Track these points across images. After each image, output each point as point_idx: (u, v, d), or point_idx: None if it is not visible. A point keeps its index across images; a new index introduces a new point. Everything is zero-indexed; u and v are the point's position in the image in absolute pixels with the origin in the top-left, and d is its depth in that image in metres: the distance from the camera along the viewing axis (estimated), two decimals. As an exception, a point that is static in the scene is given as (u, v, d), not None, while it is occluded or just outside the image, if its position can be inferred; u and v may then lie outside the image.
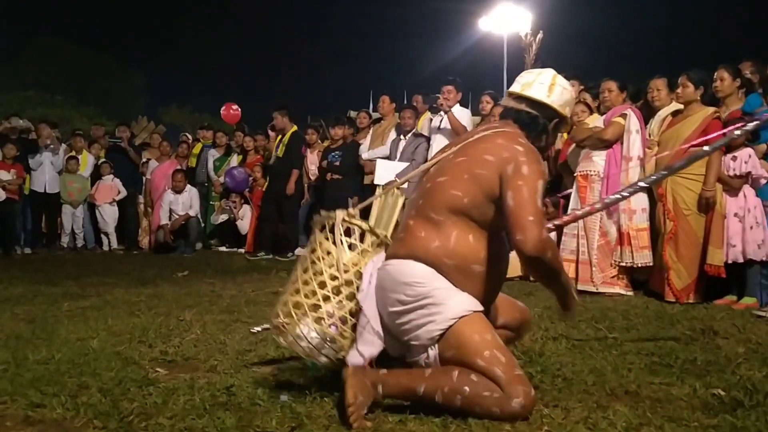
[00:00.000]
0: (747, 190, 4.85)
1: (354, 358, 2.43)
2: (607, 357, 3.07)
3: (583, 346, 3.19)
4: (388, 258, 2.50)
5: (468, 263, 2.38)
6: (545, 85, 2.56)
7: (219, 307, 4.58)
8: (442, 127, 7.39)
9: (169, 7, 46.34)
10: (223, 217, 9.90)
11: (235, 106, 11.32)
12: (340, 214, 2.57)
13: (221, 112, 11.76)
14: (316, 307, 2.50)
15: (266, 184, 9.00)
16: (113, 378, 2.70)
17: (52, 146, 9.68)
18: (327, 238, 2.58)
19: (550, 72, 2.61)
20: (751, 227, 4.80)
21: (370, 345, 2.45)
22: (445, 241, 2.38)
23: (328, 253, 2.55)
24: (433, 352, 2.35)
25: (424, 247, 2.39)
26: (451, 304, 2.33)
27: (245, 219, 9.71)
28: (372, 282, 2.49)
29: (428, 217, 2.43)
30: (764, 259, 4.81)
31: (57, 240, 9.95)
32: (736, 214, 4.85)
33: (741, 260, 4.81)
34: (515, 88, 2.63)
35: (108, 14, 44.30)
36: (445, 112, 7.15)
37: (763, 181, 4.89)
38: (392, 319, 2.41)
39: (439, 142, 7.36)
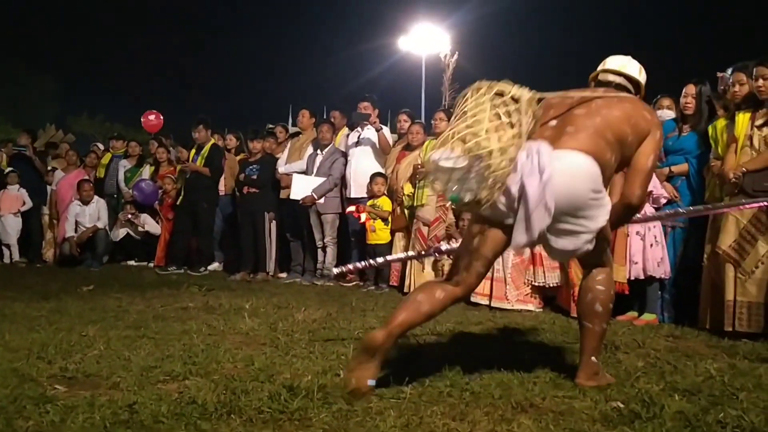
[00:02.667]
0: (648, 209, 5.09)
1: (521, 238, 2.71)
2: (514, 371, 3.14)
3: (488, 361, 3.25)
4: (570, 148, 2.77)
5: None
6: (637, 67, 3.19)
7: (125, 323, 4.44)
8: (359, 143, 7.46)
9: (85, 12, 44.90)
10: (123, 233, 9.58)
11: (153, 115, 11.04)
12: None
13: (141, 119, 11.45)
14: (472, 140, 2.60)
15: (180, 197, 8.78)
16: (8, 395, 2.57)
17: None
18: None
19: (632, 59, 3.22)
20: (651, 245, 5.03)
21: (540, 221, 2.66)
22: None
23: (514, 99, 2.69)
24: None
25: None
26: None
27: (147, 228, 9.47)
28: (534, 161, 2.64)
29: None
30: (663, 276, 5.04)
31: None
32: (637, 233, 5.07)
33: (642, 277, 5.03)
34: (613, 65, 3.19)
35: (19, 16, 42.48)
36: (378, 130, 7.26)
37: (663, 201, 5.13)
38: (577, 205, 2.73)
39: (357, 157, 7.43)
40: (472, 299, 5.72)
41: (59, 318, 4.57)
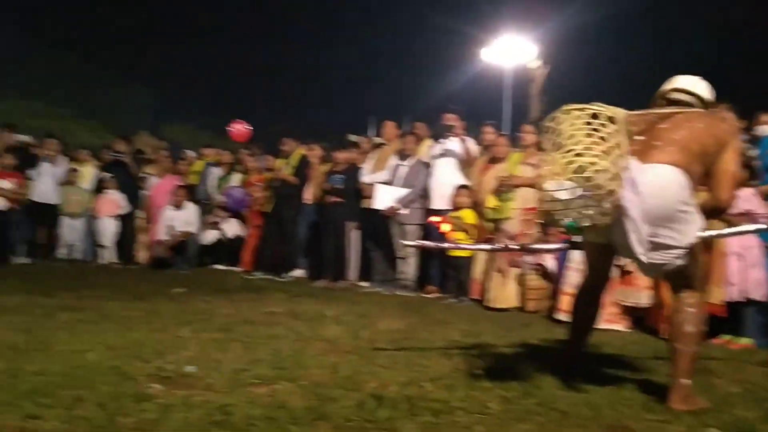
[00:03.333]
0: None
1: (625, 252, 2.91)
2: (603, 392, 3.07)
3: (579, 380, 3.18)
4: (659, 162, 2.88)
5: None
6: (706, 87, 3.29)
7: (215, 325, 4.57)
8: (443, 154, 7.47)
9: (178, 25, 46.64)
10: (212, 236, 9.89)
11: (240, 125, 11.32)
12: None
13: (229, 129, 11.81)
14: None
15: (272, 205, 9.00)
16: (109, 392, 2.70)
17: (52, 157, 9.71)
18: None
19: (701, 80, 3.31)
20: (752, 266, 4.82)
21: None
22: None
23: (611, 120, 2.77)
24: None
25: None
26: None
27: (230, 233, 9.76)
28: (627, 176, 2.75)
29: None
30: (762, 298, 4.82)
31: (54, 251, 9.93)
32: (736, 253, 4.87)
33: (740, 299, 4.83)
34: (684, 85, 3.28)
35: (117, 29, 44.48)
36: (463, 141, 7.25)
37: (763, 220, 4.92)
38: (667, 216, 2.81)
39: (440, 169, 7.43)
40: (557, 316, 5.63)
41: (153, 318, 4.76)
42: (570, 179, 2.69)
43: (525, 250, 5.28)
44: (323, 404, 2.70)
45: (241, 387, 2.94)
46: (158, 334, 4.04)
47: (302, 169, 8.77)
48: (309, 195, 9.01)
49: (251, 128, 11.21)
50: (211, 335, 4.14)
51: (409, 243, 4.94)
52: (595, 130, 2.72)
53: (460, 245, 6.20)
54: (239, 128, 11.25)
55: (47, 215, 9.76)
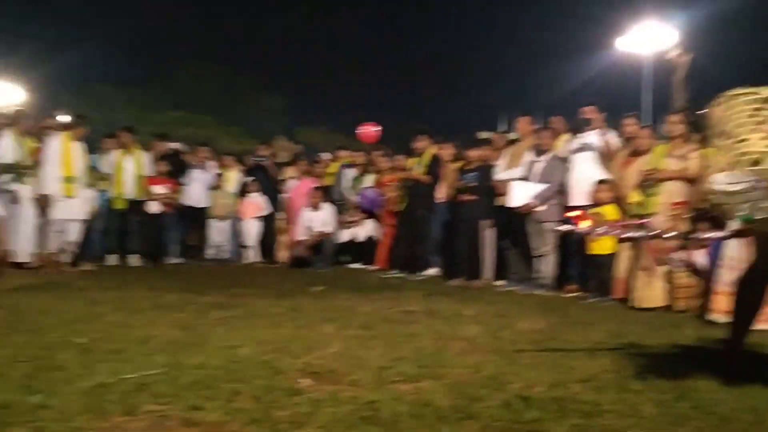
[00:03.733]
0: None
1: None
2: (765, 396, 2.86)
3: (741, 383, 2.99)
4: None
5: None
6: None
7: (356, 323, 4.67)
8: (582, 148, 7.24)
9: (307, 31, 48.24)
10: (349, 234, 10.12)
11: (372, 126, 11.55)
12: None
13: (359, 132, 12.06)
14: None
15: (405, 204, 9.09)
16: (263, 386, 2.82)
17: (204, 164, 10.31)
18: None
19: None
20: None
21: None
22: None
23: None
24: None
25: None
26: None
27: (365, 233, 9.94)
28: None
29: None
30: None
31: (203, 252, 10.54)
32: None
33: None
34: None
35: (252, 40, 46.67)
36: (602, 134, 7.02)
37: None
38: None
39: (579, 163, 7.21)
40: (709, 317, 5.32)
41: (298, 315, 4.93)
42: (742, 170, 2.53)
43: (680, 237, 4.98)
44: (469, 403, 2.69)
45: (386, 384, 2.99)
46: (304, 331, 4.18)
47: (434, 167, 8.80)
48: (441, 194, 9.01)
49: (380, 129, 11.39)
50: (353, 332, 4.23)
51: (558, 228, 4.81)
52: (761, 116, 2.53)
53: (609, 231, 5.95)
54: (369, 130, 11.45)
55: (197, 218, 10.38)
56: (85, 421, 2.30)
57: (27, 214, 8.04)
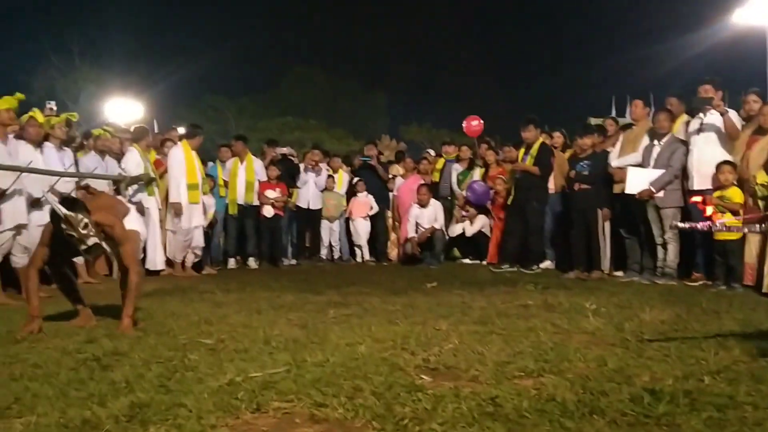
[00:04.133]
0: None
1: None
2: None
3: None
4: None
5: None
6: None
7: (471, 318, 4.63)
8: (701, 130, 6.88)
9: (406, 29, 48.43)
10: (459, 229, 10.08)
11: (476, 120, 11.46)
12: None
13: (463, 126, 12.01)
14: None
15: (511, 196, 8.95)
16: (383, 382, 2.83)
17: (315, 168, 10.55)
18: None
19: None
20: None
21: None
22: None
23: None
24: None
25: None
26: None
27: (475, 227, 9.85)
28: None
29: None
30: None
31: (317, 252, 10.78)
32: None
33: None
34: None
35: (352, 41, 47.38)
36: (723, 114, 6.64)
37: None
38: None
39: (699, 146, 6.85)
40: None
41: (412, 312, 4.95)
42: None
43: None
44: (595, 398, 2.61)
45: (507, 379, 2.94)
46: (419, 327, 4.18)
47: (544, 157, 8.60)
48: (552, 184, 8.82)
49: (483, 123, 11.29)
50: (469, 328, 4.20)
51: (679, 225, 4.56)
52: None
53: (732, 227, 5.64)
54: (472, 124, 11.37)
55: (310, 220, 10.63)
56: (217, 419, 2.39)
57: (154, 224, 8.49)
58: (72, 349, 3.62)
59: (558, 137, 9.29)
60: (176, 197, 8.68)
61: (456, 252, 10.48)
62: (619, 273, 7.69)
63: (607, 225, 7.80)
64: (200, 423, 2.34)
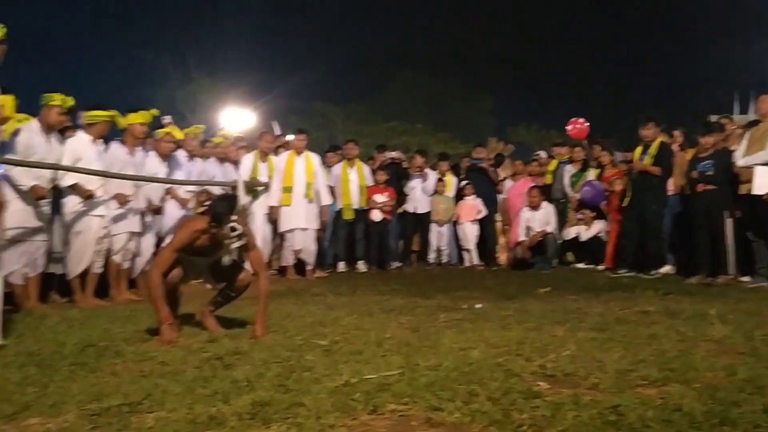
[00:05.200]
0: None
1: None
2: None
3: None
4: None
5: None
6: None
7: (588, 325, 4.48)
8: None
9: (513, 29, 47.81)
10: (574, 232, 9.82)
11: (581, 121, 11.17)
12: None
13: (566, 128, 11.75)
14: None
15: (627, 198, 8.62)
16: (499, 388, 2.79)
17: (422, 171, 10.59)
18: None
19: None
20: None
21: None
22: None
23: None
24: None
25: None
26: None
27: (591, 232, 9.56)
28: None
29: None
30: None
31: (425, 256, 10.79)
32: None
33: None
34: None
35: (458, 45, 47.24)
36: None
37: None
38: None
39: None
40: None
41: (525, 318, 4.84)
42: None
43: None
44: (725, 409, 2.46)
45: (629, 388, 2.82)
46: (534, 333, 4.09)
47: (664, 157, 8.22)
48: (672, 185, 8.44)
49: (587, 124, 10.98)
50: (586, 334, 4.07)
51: None
52: None
53: None
54: (577, 126, 11.08)
55: (419, 223, 10.66)
56: (335, 419, 2.43)
57: (261, 227, 8.78)
58: (196, 348, 3.78)
59: (678, 136, 8.88)
60: (273, 201, 8.96)
61: (569, 256, 10.20)
62: (746, 278, 7.25)
63: (733, 227, 7.38)
64: (319, 422, 2.38)
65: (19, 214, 5.79)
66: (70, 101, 6.05)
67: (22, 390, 2.93)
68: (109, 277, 6.63)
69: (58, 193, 6.34)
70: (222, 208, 4.03)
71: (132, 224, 6.74)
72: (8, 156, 5.65)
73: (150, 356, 3.61)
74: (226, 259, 4.06)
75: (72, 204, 6.30)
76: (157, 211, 7.11)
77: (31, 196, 5.83)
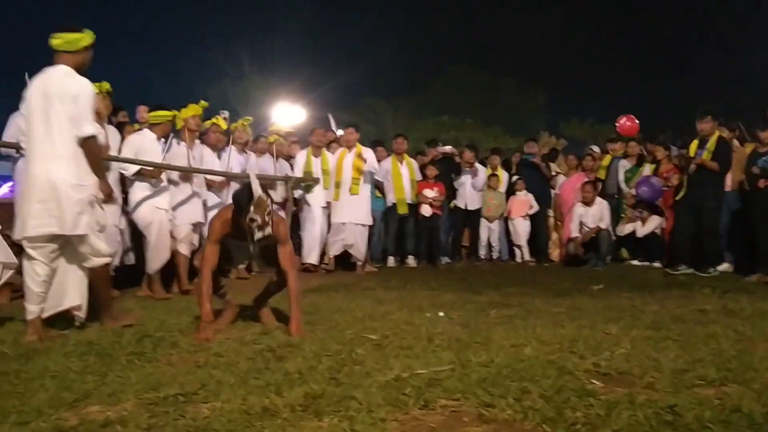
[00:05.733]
0: None
1: None
2: None
3: None
4: None
5: None
6: None
7: (643, 323, 4.40)
8: None
9: (565, 22, 47.03)
10: (629, 228, 9.63)
11: (626, 119, 10.95)
12: None
13: (616, 124, 11.50)
14: None
15: (681, 193, 8.40)
16: (552, 386, 2.76)
17: (473, 166, 10.52)
18: None
19: None
20: None
21: None
22: None
23: None
24: None
25: None
26: None
27: (648, 228, 9.37)
28: None
29: None
30: None
31: (475, 252, 10.73)
32: None
33: None
34: None
35: (509, 38, 46.71)
36: None
37: None
38: None
39: None
40: None
41: (578, 315, 4.78)
42: None
43: None
44: (787, 411, 2.39)
45: (686, 388, 2.77)
46: (587, 331, 4.03)
47: (722, 152, 7.98)
48: (730, 181, 8.20)
49: (637, 121, 10.76)
50: (641, 333, 3.99)
51: None
52: None
53: None
54: (627, 123, 10.87)
55: (469, 219, 10.60)
56: (387, 413, 2.44)
57: (313, 222, 8.86)
58: (249, 340, 3.84)
59: (737, 131, 8.62)
60: (328, 196, 9.06)
61: (624, 253, 10.00)
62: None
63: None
64: (371, 416, 2.40)
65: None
66: (106, 85, 6.15)
67: (82, 378, 3.02)
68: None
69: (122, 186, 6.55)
70: (241, 198, 4.01)
71: (194, 214, 6.91)
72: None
73: (204, 347, 3.68)
74: (252, 248, 4.03)
75: (136, 195, 6.49)
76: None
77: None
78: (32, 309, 4.16)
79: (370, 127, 34.19)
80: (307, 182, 8.87)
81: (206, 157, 7.39)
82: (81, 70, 4.34)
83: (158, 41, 50.33)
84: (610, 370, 3.07)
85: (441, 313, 4.86)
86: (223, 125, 7.71)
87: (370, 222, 9.17)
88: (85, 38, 4.37)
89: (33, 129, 4.23)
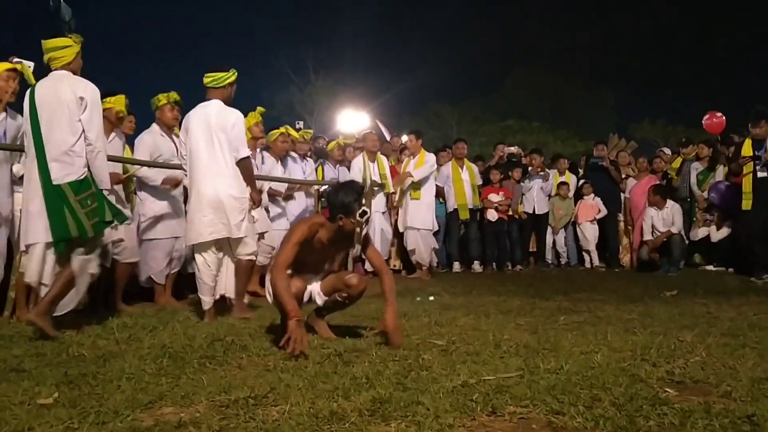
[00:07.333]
0: None
1: None
2: None
3: None
4: None
5: None
6: None
7: (719, 330, 4.26)
8: None
9: (633, 22, 45.89)
10: (703, 233, 9.32)
11: (718, 115, 10.56)
12: None
13: (703, 121, 11.14)
14: None
15: (751, 199, 8.07)
16: (624, 394, 2.70)
17: (542, 173, 10.39)
18: None
19: None
20: None
21: None
22: None
23: None
24: None
25: None
26: None
27: (723, 233, 9.04)
28: None
29: None
30: None
31: (543, 257, 10.58)
32: None
33: None
34: None
35: (575, 39, 45.94)
36: None
37: None
38: None
39: None
40: None
41: (651, 321, 4.66)
42: None
43: None
44: None
45: (764, 397, 2.66)
46: (660, 338, 3.92)
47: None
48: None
49: (724, 118, 10.39)
50: (717, 340, 3.86)
51: None
52: None
53: None
54: (714, 120, 10.52)
55: (537, 224, 10.46)
56: (454, 419, 2.43)
57: (378, 228, 8.89)
58: (317, 344, 3.88)
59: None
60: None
61: (697, 258, 9.68)
62: None
63: None
64: (438, 422, 2.39)
65: (157, 213, 6.23)
66: (174, 95, 6.33)
67: (156, 381, 3.11)
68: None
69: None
70: (344, 197, 3.90)
71: (258, 224, 7.00)
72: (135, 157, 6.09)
73: (273, 351, 3.74)
74: (355, 249, 4.00)
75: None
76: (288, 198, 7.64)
77: (162, 189, 6.19)
78: (207, 300, 5.17)
79: (435, 132, 34.15)
80: (373, 188, 8.92)
81: (267, 164, 7.43)
82: (227, 102, 5.28)
83: (228, 49, 51.43)
84: (685, 378, 2.98)
85: (431, 297, 4.88)
86: (294, 134, 7.84)
87: (433, 227, 9.15)
88: (230, 77, 5.28)
89: (197, 153, 5.14)
